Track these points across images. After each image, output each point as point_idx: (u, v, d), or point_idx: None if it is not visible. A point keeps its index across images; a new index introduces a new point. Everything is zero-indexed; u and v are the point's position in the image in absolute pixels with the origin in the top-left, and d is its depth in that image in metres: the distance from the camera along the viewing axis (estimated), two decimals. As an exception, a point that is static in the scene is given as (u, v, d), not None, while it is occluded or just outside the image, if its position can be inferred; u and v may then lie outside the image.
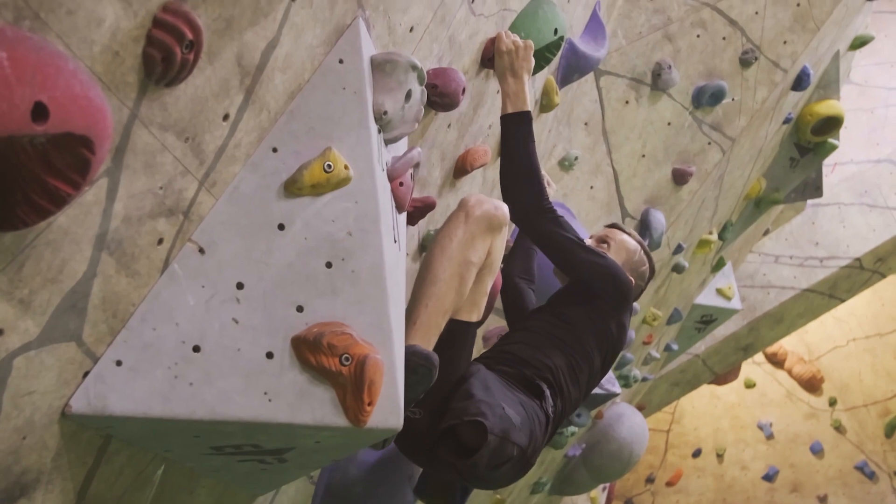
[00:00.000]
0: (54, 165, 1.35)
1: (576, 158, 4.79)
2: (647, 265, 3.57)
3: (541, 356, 3.09)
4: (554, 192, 3.71)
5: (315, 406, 1.96)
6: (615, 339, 3.30)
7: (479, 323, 2.99)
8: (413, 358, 2.42)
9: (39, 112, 1.23)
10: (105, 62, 1.46)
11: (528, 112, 3.12)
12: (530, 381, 2.99)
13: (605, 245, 3.54)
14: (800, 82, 6.30)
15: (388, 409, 2.05)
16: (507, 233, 2.89)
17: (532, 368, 3.04)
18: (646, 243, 3.73)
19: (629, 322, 3.41)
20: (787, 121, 7.08)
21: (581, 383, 3.18)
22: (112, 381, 1.81)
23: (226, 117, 1.85)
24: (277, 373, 1.95)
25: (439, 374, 2.62)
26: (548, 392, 2.99)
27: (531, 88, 3.33)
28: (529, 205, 3.16)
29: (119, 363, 1.82)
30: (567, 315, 3.24)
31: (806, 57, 6.06)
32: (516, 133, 3.12)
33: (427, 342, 2.70)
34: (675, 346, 9.45)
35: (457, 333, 2.88)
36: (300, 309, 2.00)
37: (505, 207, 2.85)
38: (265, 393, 1.93)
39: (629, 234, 3.60)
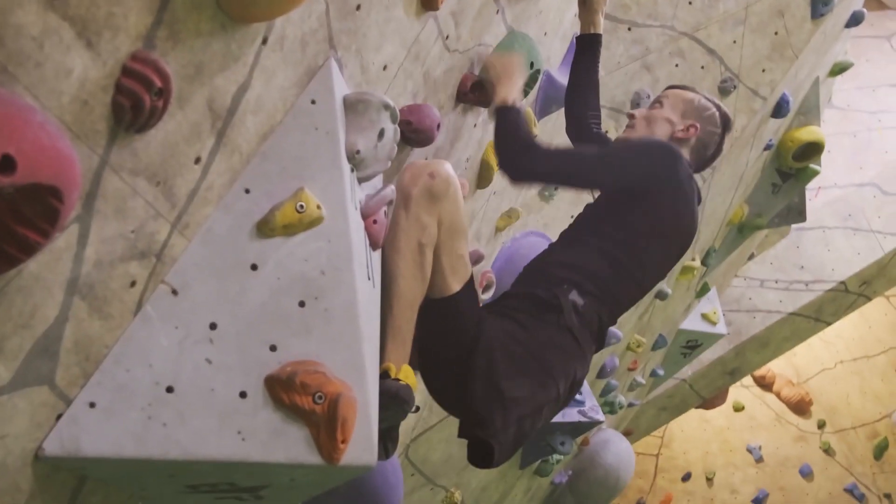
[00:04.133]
0: (23, 215, 1.37)
1: (556, 189, 4.82)
2: (715, 109, 3.38)
3: (557, 260, 3.07)
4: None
5: (289, 444, 1.98)
6: (686, 224, 3.17)
7: (469, 285, 2.90)
8: (385, 394, 2.43)
9: (7, 164, 1.25)
10: (74, 112, 1.48)
11: (517, 108, 3.15)
12: (543, 300, 2.94)
13: (658, 104, 3.42)
14: (779, 109, 6.35)
15: (362, 446, 2.06)
16: (453, 192, 2.77)
17: (544, 284, 3.00)
18: None
19: (689, 199, 3.16)
20: (768, 147, 7.14)
21: (630, 276, 3.09)
22: (85, 422, 1.82)
23: (197, 160, 1.88)
24: (251, 412, 1.96)
25: (451, 351, 2.72)
26: (568, 299, 2.93)
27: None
28: (518, 158, 3.07)
29: (92, 405, 1.84)
30: (599, 227, 3.13)
31: (785, 84, 6.12)
32: (505, 117, 3.13)
33: (403, 345, 2.69)
34: (661, 372, 9.46)
35: (448, 309, 2.84)
36: (273, 348, 2.02)
37: (442, 170, 2.75)
38: (239, 432, 1.94)
39: (687, 89, 3.48)
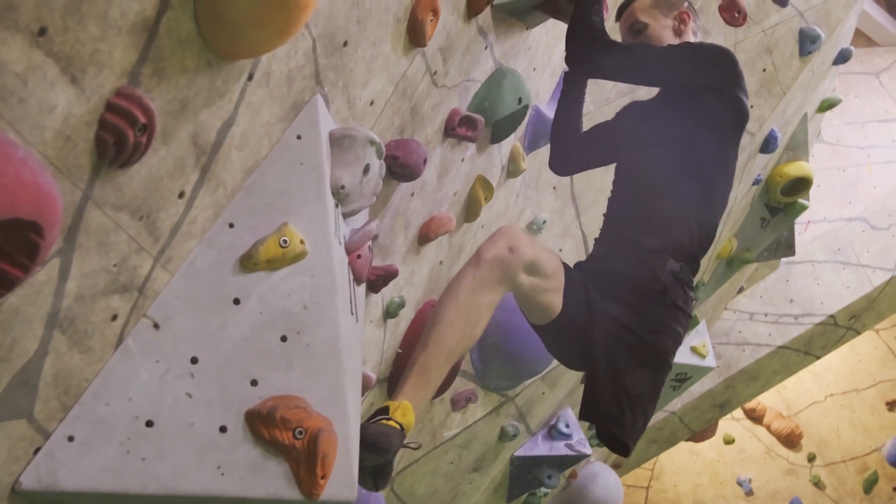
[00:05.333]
0: (3, 250, 1.38)
1: (544, 222, 4.83)
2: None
3: (642, 235, 3.06)
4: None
5: (268, 479, 1.98)
6: (740, 110, 3.17)
7: (565, 290, 2.92)
8: (362, 440, 2.40)
9: (-14, 200, 1.26)
10: (57, 147, 1.49)
11: None
12: (643, 281, 2.97)
13: (638, 28, 3.34)
14: (768, 145, 6.39)
15: (342, 481, 2.06)
16: (531, 262, 2.81)
17: (637, 257, 3.02)
18: None
19: (745, 94, 3.19)
20: (756, 182, 7.17)
21: (718, 193, 3.15)
22: (63, 456, 1.82)
23: (181, 195, 1.89)
24: (230, 447, 1.96)
25: (565, 329, 2.91)
26: (667, 272, 2.96)
27: None
28: (583, 48, 3.15)
29: (71, 439, 1.83)
30: (669, 145, 3.15)
31: (773, 120, 6.16)
32: (584, 3, 3.17)
33: (426, 385, 2.70)
34: (650, 405, 9.44)
35: (561, 322, 2.92)
36: (254, 383, 2.02)
37: (524, 245, 2.79)
38: (218, 467, 1.94)
39: None
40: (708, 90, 3.12)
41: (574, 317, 2.91)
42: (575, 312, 2.91)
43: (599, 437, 2.98)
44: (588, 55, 3.16)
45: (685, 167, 3.09)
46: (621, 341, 2.89)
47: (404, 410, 2.62)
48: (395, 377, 3.73)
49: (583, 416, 2.94)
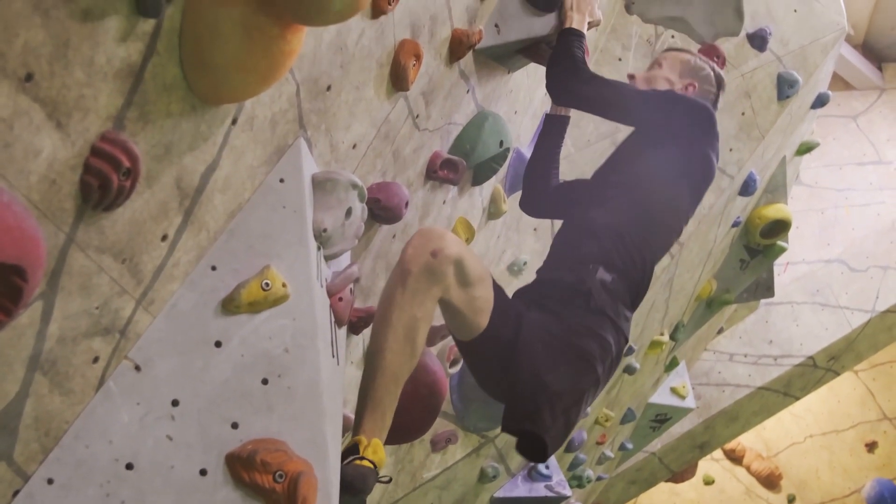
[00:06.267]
0: (-14, 293, 1.39)
1: (525, 263, 4.85)
2: (710, 69, 3.53)
3: (581, 233, 3.13)
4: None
5: (248, 523, 1.97)
6: (706, 166, 3.26)
7: (494, 309, 2.87)
8: (343, 480, 2.40)
9: (-30, 245, 1.27)
10: (42, 191, 1.50)
11: (583, 33, 3.29)
12: (571, 286, 2.98)
13: (657, 65, 3.54)
14: (747, 188, 6.46)
15: (322, 525, 2.06)
16: (458, 262, 2.74)
17: (569, 265, 3.06)
18: None
19: (716, 154, 3.31)
20: (735, 224, 7.22)
21: (660, 225, 3.20)
22: (42, 499, 1.81)
23: (164, 238, 1.90)
24: (210, 490, 1.96)
25: (496, 359, 2.82)
26: (595, 279, 2.98)
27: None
28: (566, 75, 3.22)
29: (50, 481, 1.83)
30: (624, 170, 3.25)
31: (752, 163, 6.22)
32: (568, 38, 3.25)
33: (382, 417, 2.67)
34: (629, 446, 9.44)
35: (484, 341, 2.86)
36: (235, 426, 2.01)
37: (446, 245, 2.73)
38: (197, 510, 1.94)
39: (683, 50, 3.62)
40: (678, 139, 3.20)
41: (500, 330, 2.86)
42: (502, 327, 2.87)
43: (519, 449, 2.93)
44: (570, 82, 3.22)
45: (630, 189, 3.17)
46: (544, 343, 2.87)
47: (374, 448, 2.61)
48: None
49: (504, 426, 2.89)
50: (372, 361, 2.71)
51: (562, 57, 3.24)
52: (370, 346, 2.75)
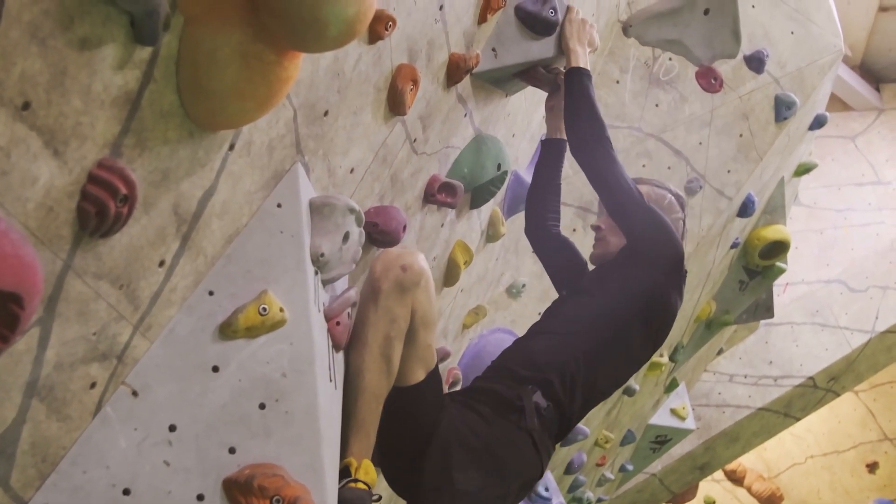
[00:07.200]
0: (-17, 321, 1.39)
1: (523, 286, 4.86)
2: (671, 195, 3.55)
3: (526, 356, 3.11)
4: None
5: (245, 549, 1.97)
6: (666, 306, 3.24)
7: (433, 373, 2.90)
8: (343, 502, 2.41)
9: (-33, 273, 1.27)
10: (39, 218, 1.51)
11: (588, 70, 3.33)
12: (507, 400, 2.96)
13: None
14: (745, 209, 6.46)
15: (320, 550, 2.06)
16: (425, 283, 2.77)
17: (509, 381, 3.02)
18: None
19: (680, 295, 3.32)
20: (734, 245, 7.23)
21: (604, 364, 3.12)
22: (39, 526, 1.81)
23: (161, 263, 1.90)
24: (208, 515, 1.96)
25: (410, 436, 2.78)
26: (531, 401, 2.95)
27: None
28: (588, 134, 3.22)
29: (47, 508, 1.83)
30: (592, 292, 3.25)
31: (750, 185, 6.23)
32: (581, 81, 3.28)
33: (366, 438, 2.69)
34: (630, 467, 9.41)
35: (412, 398, 2.83)
36: (232, 450, 2.02)
37: (416, 261, 2.75)
38: (195, 536, 1.94)
39: (651, 183, 3.61)
40: (648, 266, 3.20)
41: (428, 399, 2.88)
42: (431, 397, 2.89)
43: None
44: (595, 153, 3.22)
45: (583, 323, 3.14)
46: (463, 439, 2.85)
47: (366, 469, 2.63)
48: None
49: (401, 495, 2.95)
50: (352, 383, 2.71)
51: (586, 113, 3.25)
52: (348, 367, 2.74)
